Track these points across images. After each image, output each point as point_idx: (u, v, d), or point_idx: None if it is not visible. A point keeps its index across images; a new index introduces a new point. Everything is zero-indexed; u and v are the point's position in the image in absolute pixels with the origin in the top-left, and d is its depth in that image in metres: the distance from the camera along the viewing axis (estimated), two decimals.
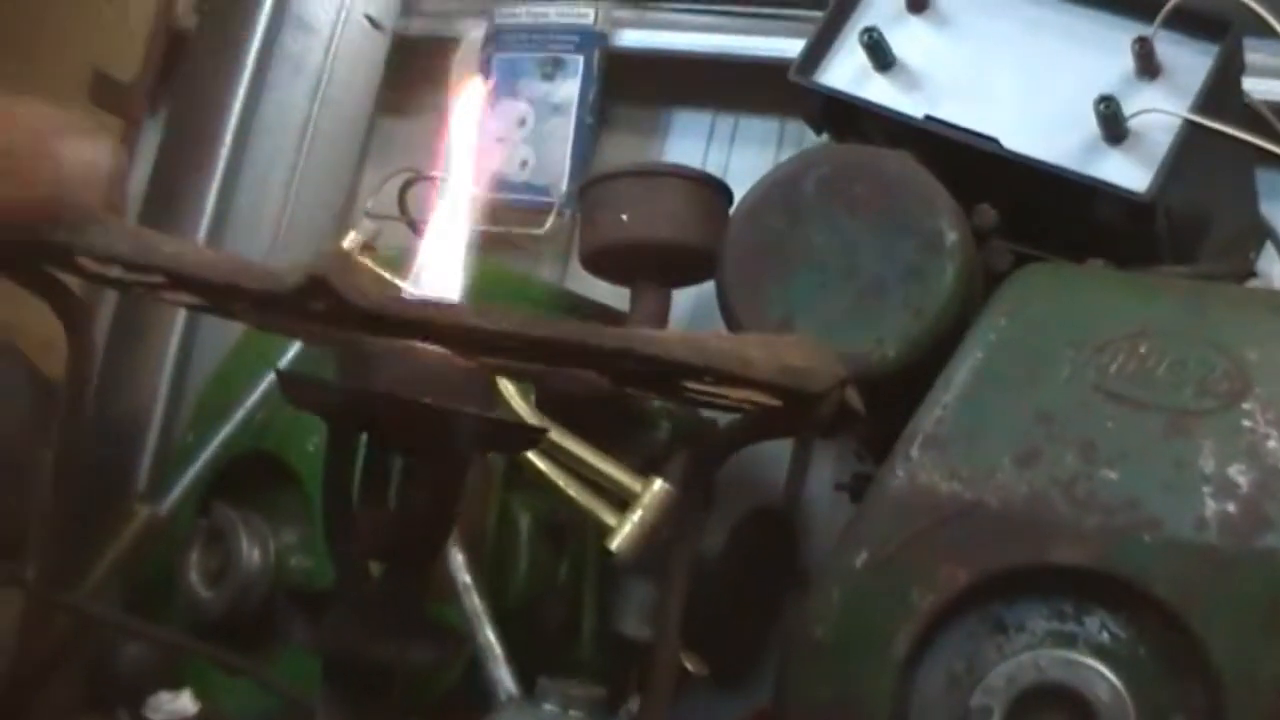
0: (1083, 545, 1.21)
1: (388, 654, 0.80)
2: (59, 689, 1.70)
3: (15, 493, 1.45)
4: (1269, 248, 1.82)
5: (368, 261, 1.75)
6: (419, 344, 0.79)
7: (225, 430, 1.75)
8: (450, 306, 0.65)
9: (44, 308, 0.92)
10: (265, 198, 2.26)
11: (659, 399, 0.80)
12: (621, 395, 0.88)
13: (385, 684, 0.84)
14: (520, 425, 0.92)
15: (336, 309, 0.64)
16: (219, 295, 0.71)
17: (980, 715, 1.19)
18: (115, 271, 0.78)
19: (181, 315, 2.09)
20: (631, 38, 2.28)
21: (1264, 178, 1.80)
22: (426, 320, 0.65)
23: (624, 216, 1.75)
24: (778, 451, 1.99)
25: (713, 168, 2.14)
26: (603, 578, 1.74)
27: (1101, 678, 1.18)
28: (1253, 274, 1.69)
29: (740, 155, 2.21)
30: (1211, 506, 1.20)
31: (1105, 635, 1.21)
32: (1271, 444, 1.21)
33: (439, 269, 0.92)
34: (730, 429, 0.80)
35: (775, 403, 0.75)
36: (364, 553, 0.84)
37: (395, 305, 0.64)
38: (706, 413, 1.80)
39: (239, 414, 1.74)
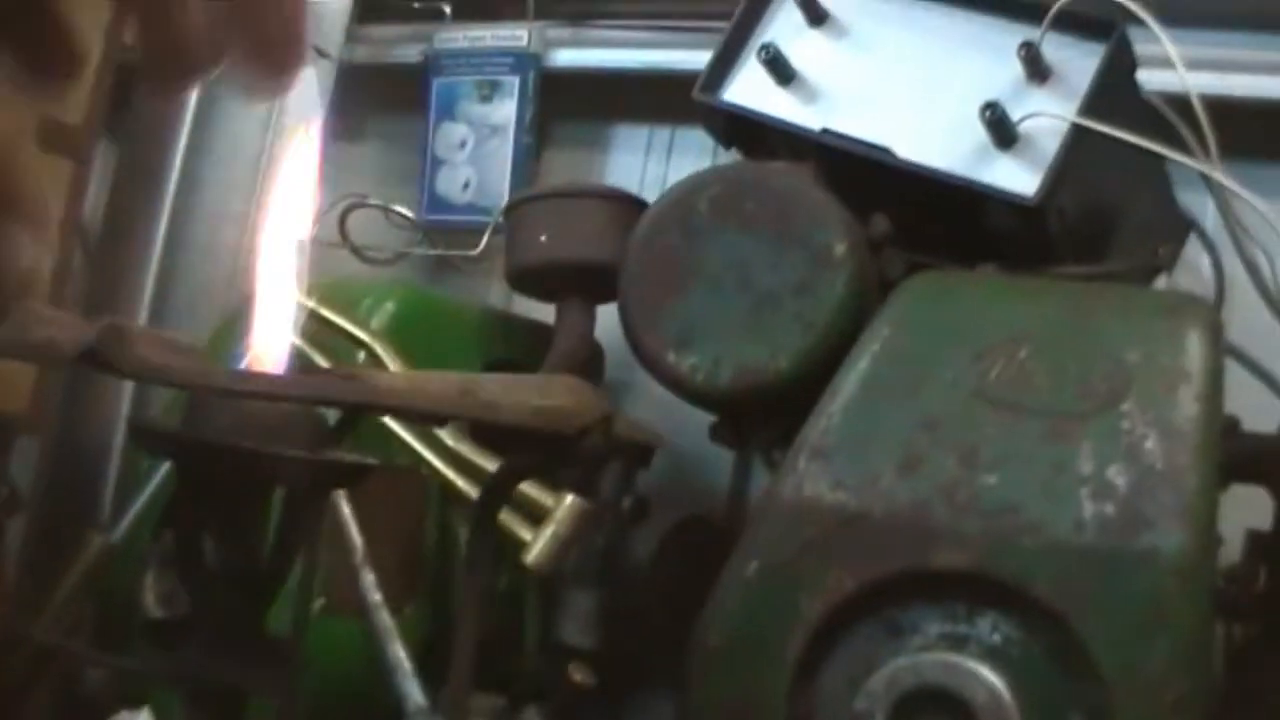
0: (964, 550, 1.23)
1: (233, 679, 0.84)
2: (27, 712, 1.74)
3: None
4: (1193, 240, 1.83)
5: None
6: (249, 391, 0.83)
7: None
8: (203, 372, 0.69)
9: None
10: (221, 227, 2.29)
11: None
12: None
13: (236, 707, 0.88)
14: (346, 465, 0.95)
15: (114, 371, 0.68)
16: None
17: (863, 719, 1.22)
18: None
19: None
20: (566, 57, 2.31)
21: (1185, 171, 1.80)
22: (187, 384, 0.69)
23: (543, 237, 1.78)
24: (720, 461, 2.01)
25: (652, 180, 2.17)
26: (543, 589, 1.77)
27: (980, 680, 1.20)
28: (1161, 269, 1.71)
29: (678, 166, 2.24)
30: (1090, 508, 1.22)
31: (997, 636, 1.23)
32: (1149, 444, 1.23)
33: (269, 321, 0.95)
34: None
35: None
36: (214, 582, 0.88)
37: (157, 374, 0.68)
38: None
39: None
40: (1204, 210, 1.84)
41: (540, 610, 1.78)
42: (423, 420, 0.67)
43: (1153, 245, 1.71)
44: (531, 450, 0.78)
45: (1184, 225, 1.82)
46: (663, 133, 2.29)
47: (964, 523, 1.24)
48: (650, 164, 2.27)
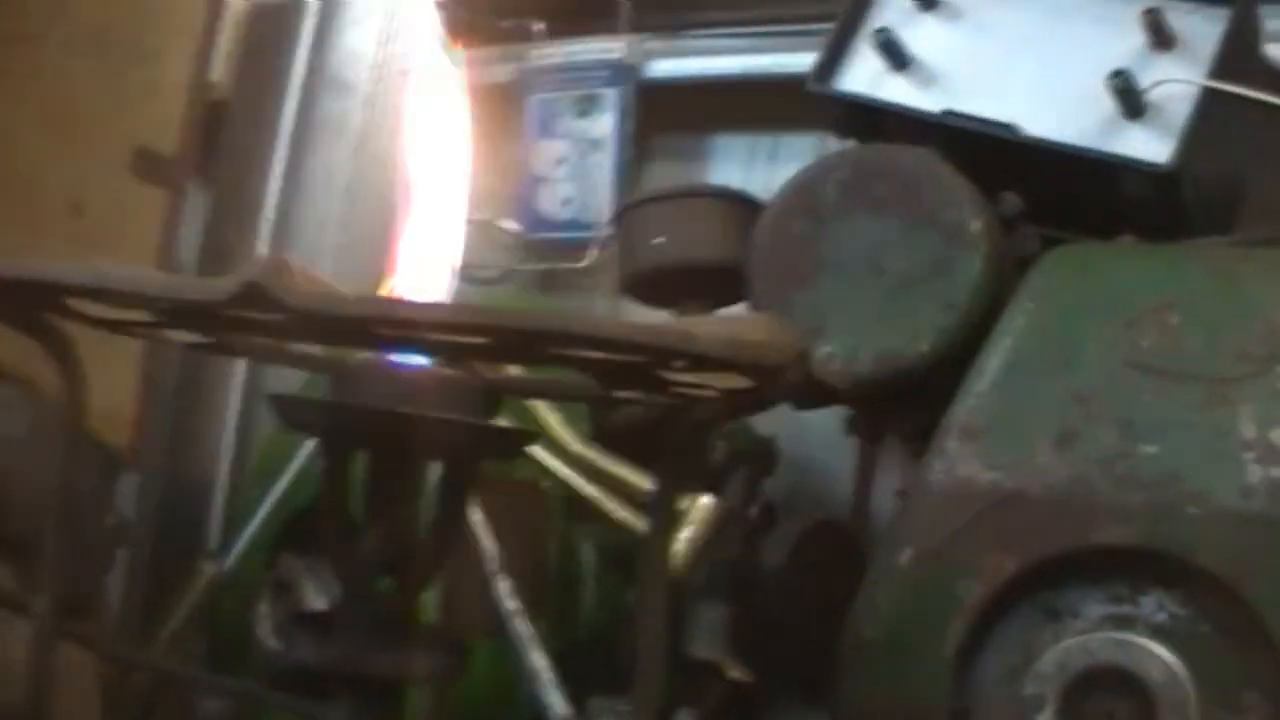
0: (1127, 524, 1.19)
1: (392, 666, 0.80)
2: None
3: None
4: None
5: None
6: (405, 359, 0.79)
7: (282, 485, 1.76)
8: (381, 301, 0.65)
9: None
10: (317, 258, 2.27)
11: (647, 396, 0.80)
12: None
13: (392, 699, 0.84)
14: (508, 429, 0.92)
15: (275, 313, 0.64)
16: (180, 314, 0.72)
17: (1034, 704, 1.18)
18: (97, 310, 0.80)
19: (241, 375, 2.10)
20: (663, 67, 2.28)
21: None
22: (359, 316, 0.65)
23: (658, 239, 1.75)
24: (843, 465, 1.98)
25: (756, 190, 2.13)
26: (671, 598, 1.73)
27: (1155, 657, 1.16)
28: None
29: (782, 174, 2.18)
30: (1256, 473, 1.18)
31: (1163, 615, 1.19)
32: None
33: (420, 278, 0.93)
34: (700, 410, 0.79)
35: (745, 383, 0.75)
36: (366, 569, 0.84)
37: (326, 303, 0.64)
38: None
39: (295, 467, 1.75)
40: None
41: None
42: (621, 350, 0.63)
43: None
44: (738, 375, 0.74)
45: None
46: (764, 141, 2.26)
47: (1126, 496, 1.20)
48: (754, 173, 2.23)
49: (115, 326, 0.85)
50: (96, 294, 0.71)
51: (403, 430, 0.79)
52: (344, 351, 0.88)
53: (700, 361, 0.69)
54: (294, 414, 0.83)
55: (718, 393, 0.79)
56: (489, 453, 0.87)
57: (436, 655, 0.83)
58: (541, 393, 0.89)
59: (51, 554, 0.85)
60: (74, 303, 0.79)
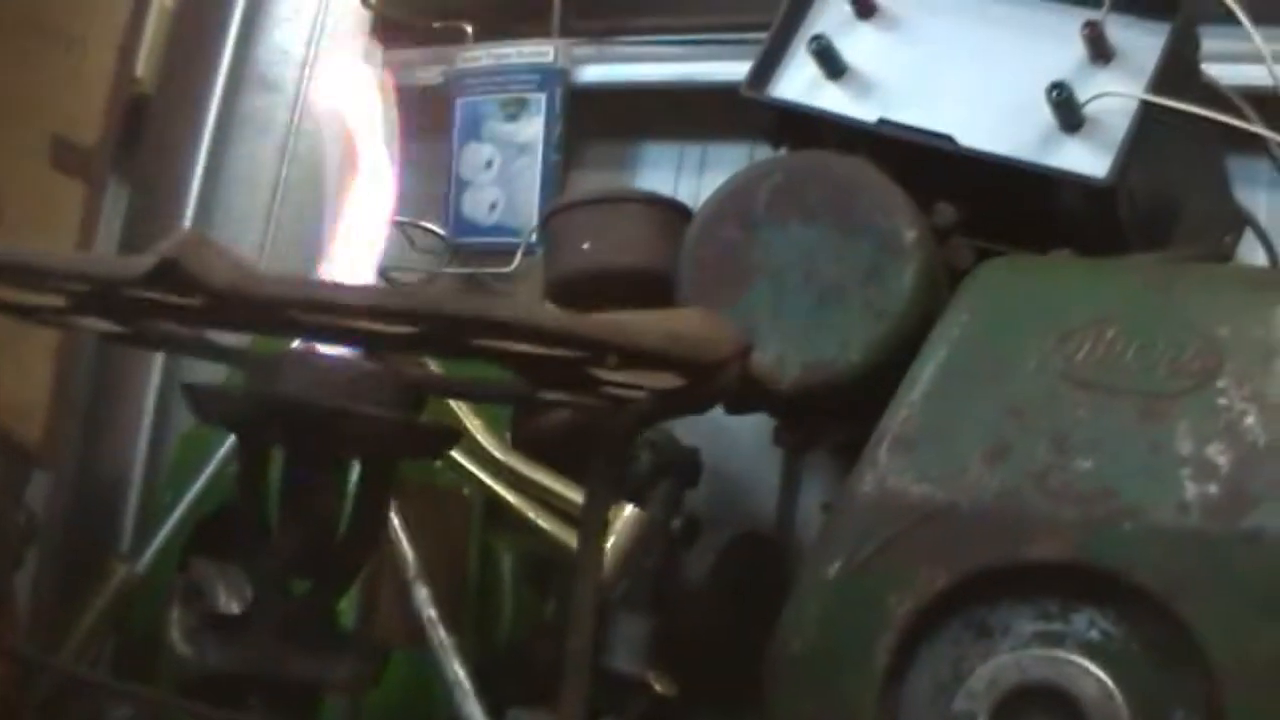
0: (1060, 539, 1.17)
1: (309, 672, 0.76)
2: None
3: None
4: (1249, 235, 1.79)
5: None
6: (325, 348, 0.76)
7: (198, 485, 1.73)
8: (307, 283, 0.61)
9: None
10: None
11: (576, 396, 0.76)
12: (573, 418, 0.85)
13: (310, 706, 0.80)
14: (431, 426, 0.89)
15: (191, 291, 0.60)
16: (94, 298, 0.68)
17: None
18: (7, 294, 0.76)
19: (158, 371, 2.07)
20: (593, 73, 2.26)
21: (1241, 165, 1.77)
22: (281, 298, 0.61)
23: (585, 245, 1.73)
24: (767, 477, 1.96)
25: (684, 198, 2.11)
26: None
27: (1088, 674, 1.14)
28: (1227, 258, 1.66)
29: (711, 183, 2.16)
30: (1192, 489, 1.16)
31: (1094, 632, 1.17)
32: (1249, 420, 1.18)
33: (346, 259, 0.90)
34: (636, 406, 0.76)
35: (680, 381, 0.72)
36: (281, 569, 0.81)
37: (249, 284, 0.60)
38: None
39: (210, 468, 1.72)
40: (1257, 204, 1.81)
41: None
42: (553, 342, 0.59)
43: (1217, 235, 1.66)
44: (673, 374, 0.71)
45: (1240, 218, 1.77)
46: (694, 149, 2.24)
47: (1059, 511, 1.18)
48: (683, 181, 2.21)
49: (26, 313, 0.81)
50: (4, 272, 0.67)
51: (322, 423, 0.76)
52: (265, 345, 0.85)
53: (635, 356, 0.66)
54: (208, 405, 0.79)
55: (649, 394, 0.77)
56: (412, 450, 0.83)
57: (355, 661, 0.80)
58: (466, 393, 0.85)
59: None
60: None
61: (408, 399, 0.80)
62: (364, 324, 0.66)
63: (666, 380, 0.74)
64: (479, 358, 0.69)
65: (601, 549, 0.77)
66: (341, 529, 0.82)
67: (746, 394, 0.69)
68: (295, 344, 0.98)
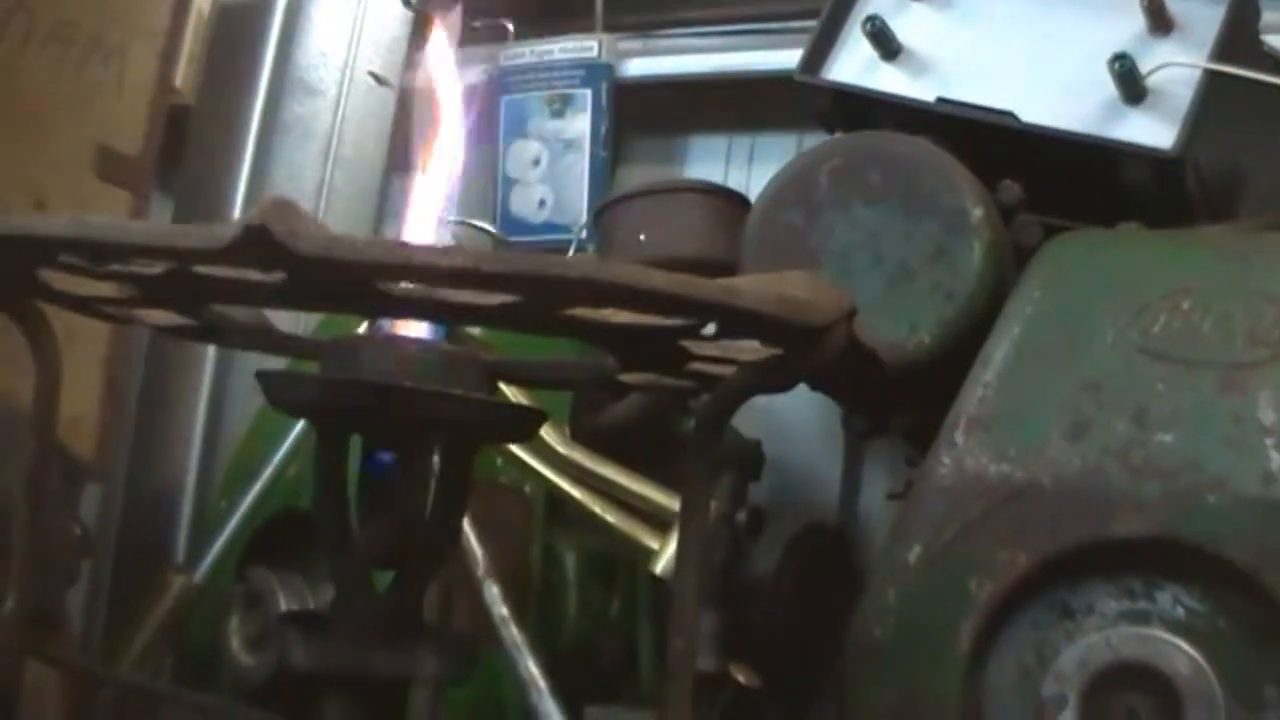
0: (1145, 514, 1.15)
1: (395, 668, 0.74)
2: None
3: None
4: None
5: None
6: (403, 333, 0.74)
7: (253, 492, 1.71)
8: (397, 245, 0.59)
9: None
10: None
11: (668, 378, 0.74)
12: (644, 407, 0.83)
13: (394, 703, 0.78)
14: (519, 408, 0.87)
15: (278, 260, 0.58)
16: (150, 283, 0.66)
17: (1055, 704, 1.13)
18: (83, 289, 0.74)
19: (208, 384, 2.06)
20: (638, 66, 2.25)
21: None
22: (374, 262, 0.59)
23: (641, 236, 1.71)
24: (829, 468, 1.94)
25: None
26: (657, 609, 1.69)
27: (1179, 651, 1.12)
28: None
29: (760, 174, 2.15)
30: (1277, 459, 1.13)
31: (1180, 610, 1.14)
32: None
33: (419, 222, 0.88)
34: (734, 378, 0.73)
35: (779, 349, 0.70)
36: (365, 563, 0.78)
37: (338, 247, 0.58)
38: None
39: (266, 475, 1.70)
40: None
41: (655, 631, 1.70)
42: (662, 305, 0.57)
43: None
44: (775, 341, 0.68)
45: None
46: (743, 141, 2.22)
47: (1142, 486, 1.16)
48: (731, 172, 2.19)
49: (86, 306, 0.79)
50: (78, 246, 0.65)
51: (406, 407, 0.74)
52: (331, 330, 0.82)
53: (740, 322, 0.64)
54: (284, 391, 0.77)
55: (739, 367, 0.74)
56: (499, 432, 0.81)
57: (443, 654, 0.77)
58: (546, 377, 0.83)
59: (20, 561, 0.78)
60: (47, 274, 0.73)
61: (489, 382, 0.78)
62: (456, 295, 0.64)
63: (759, 353, 0.71)
64: (572, 332, 0.67)
65: (704, 540, 0.74)
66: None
67: (853, 362, 0.67)
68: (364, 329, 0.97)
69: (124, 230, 0.61)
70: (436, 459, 0.81)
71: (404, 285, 0.65)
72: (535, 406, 0.93)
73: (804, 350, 0.66)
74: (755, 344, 0.70)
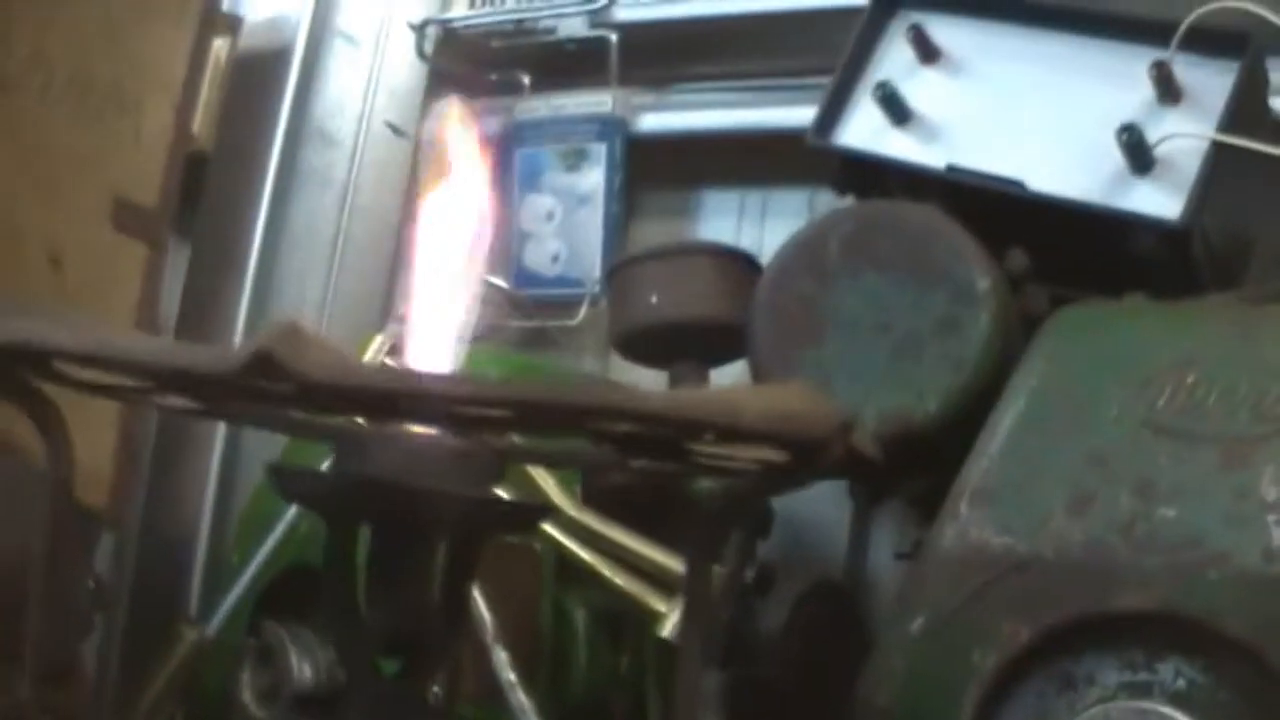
0: (1147, 589, 1.15)
1: None
2: None
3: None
4: None
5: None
6: (413, 428, 0.75)
7: (267, 546, 1.72)
8: (409, 374, 0.60)
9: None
10: (301, 311, 2.24)
11: (670, 468, 0.75)
12: (653, 477, 0.85)
13: None
14: (525, 506, 0.88)
15: (289, 383, 0.59)
16: (180, 383, 0.67)
17: None
18: (89, 375, 0.75)
19: (221, 435, 2.07)
20: (652, 121, 2.26)
21: None
22: (383, 390, 0.60)
23: (653, 299, 1.72)
24: (836, 525, 1.95)
25: (746, 245, 2.10)
26: (666, 669, 1.69)
27: None
28: None
29: (773, 230, 2.17)
30: (1279, 535, 1.14)
31: (1181, 682, 1.15)
32: None
33: (428, 346, 0.89)
34: (737, 486, 0.74)
35: (781, 456, 0.71)
36: (374, 650, 0.79)
37: (348, 376, 0.59)
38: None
39: (279, 529, 1.71)
40: None
41: (663, 692, 1.71)
42: (663, 425, 0.58)
43: None
44: (775, 466, 0.69)
45: None
46: (755, 196, 2.23)
47: (1145, 560, 1.16)
48: (744, 228, 2.21)
49: (104, 391, 0.80)
50: (89, 360, 0.66)
51: (413, 504, 0.75)
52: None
53: (739, 435, 0.65)
54: (295, 486, 0.78)
55: (744, 463, 0.75)
56: (504, 527, 0.82)
57: None
58: (556, 461, 0.84)
59: (36, 631, 0.79)
60: (62, 366, 0.74)
61: (496, 474, 0.79)
62: (461, 410, 0.65)
63: (761, 453, 0.72)
64: (580, 436, 0.68)
65: (708, 626, 0.75)
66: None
67: (849, 466, 0.68)
68: None
69: (129, 350, 0.62)
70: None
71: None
72: (537, 502, 0.94)
73: (803, 459, 0.67)
74: (762, 448, 0.71)
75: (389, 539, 0.79)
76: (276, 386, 0.65)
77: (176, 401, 0.82)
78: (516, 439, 0.89)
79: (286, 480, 0.77)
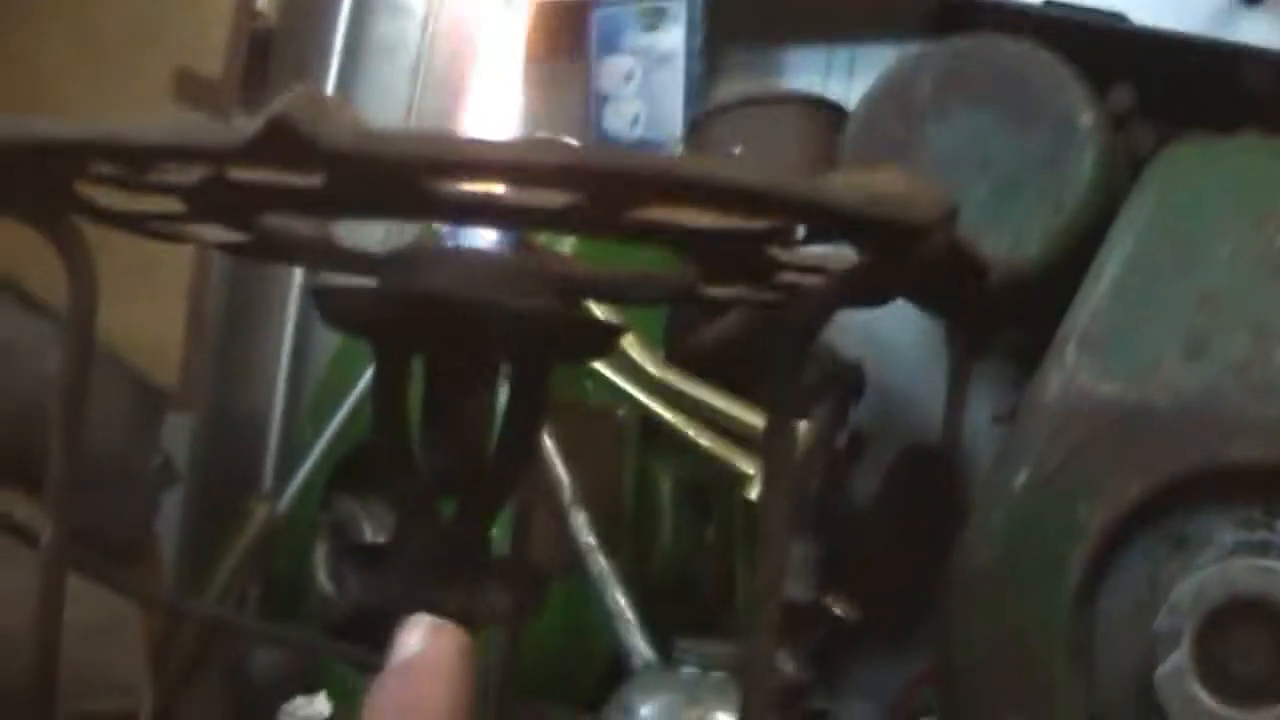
0: (1265, 437, 1.08)
1: (457, 603, 0.68)
2: (197, 699, 1.65)
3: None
4: None
5: None
6: (467, 247, 0.69)
7: (338, 420, 1.68)
8: (439, 138, 0.53)
9: None
10: None
11: (756, 291, 0.68)
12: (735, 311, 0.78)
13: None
14: (591, 321, 0.81)
15: (307, 160, 0.53)
16: (195, 164, 0.60)
17: (1168, 640, 1.07)
18: (117, 201, 0.69)
19: (293, 310, 2.02)
20: None
21: None
22: (412, 155, 0.53)
23: (736, 150, 1.65)
24: (934, 390, 1.88)
25: None
26: (753, 537, 1.64)
27: None
28: None
29: (861, 86, 2.07)
30: None
31: None
32: None
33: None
34: (821, 286, 0.67)
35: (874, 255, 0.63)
36: (426, 492, 0.73)
37: (371, 142, 0.52)
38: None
39: (350, 402, 1.67)
40: None
41: (751, 564, 1.65)
42: (735, 203, 0.51)
43: None
44: (868, 245, 0.62)
45: None
46: (842, 52, 2.14)
47: (1263, 407, 1.09)
48: (831, 85, 2.12)
49: (136, 222, 0.74)
50: (93, 150, 0.60)
51: (469, 321, 0.68)
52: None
53: (830, 220, 0.58)
54: (338, 306, 0.71)
55: (827, 277, 0.68)
56: (571, 348, 0.74)
57: (511, 590, 0.72)
58: (623, 289, 0.77)
59: (56, 472, 0.74)
60: (89, 190, 0.68)
61: (563, 295, 0.72)
62: (513, 197, 0.58)
63: (849, 261, 0.65)
64: (645, 236, 0.61)
65: (792, 462, 0.69)
66: (492, 445, 0.74)
67: (951, 270, 0.61)
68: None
69: (141, 132, 0.56)
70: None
71: (455, 186, 0.58)
72: (611, 321, 0.87)
73: (899, 255, 0.60)
74: (850, 252, 0.64)
75: (442, 365, 0.72)
76: (305, 179, 0.58)
77: (212, 233, 0.75)
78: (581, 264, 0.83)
79: (329, 300, 0.70)
